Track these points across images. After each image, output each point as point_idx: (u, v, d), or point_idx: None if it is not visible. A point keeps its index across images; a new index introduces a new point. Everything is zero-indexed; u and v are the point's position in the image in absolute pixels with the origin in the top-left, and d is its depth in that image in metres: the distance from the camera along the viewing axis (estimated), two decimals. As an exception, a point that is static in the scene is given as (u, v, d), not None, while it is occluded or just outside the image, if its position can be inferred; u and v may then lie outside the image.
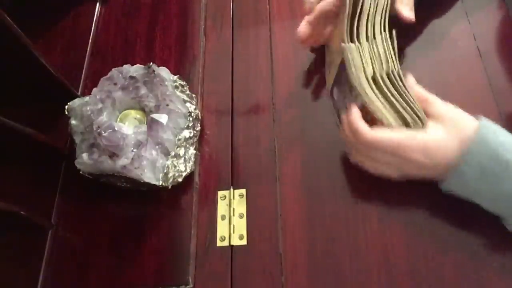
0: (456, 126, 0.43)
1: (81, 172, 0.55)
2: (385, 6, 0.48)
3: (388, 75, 0.46)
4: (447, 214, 0.48)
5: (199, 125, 0.58)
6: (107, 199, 0.57)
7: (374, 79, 0.46)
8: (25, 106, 0.61)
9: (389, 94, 0.46)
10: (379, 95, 0.46)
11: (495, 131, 0.43)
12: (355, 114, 0.46)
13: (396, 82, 0.46)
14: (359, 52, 0.47)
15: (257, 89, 0.61)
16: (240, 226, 0.52)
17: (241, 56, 0.64)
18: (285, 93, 0.60)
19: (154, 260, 0.52)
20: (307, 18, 0.55)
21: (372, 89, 0.46)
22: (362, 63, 0.46)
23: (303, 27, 0.55)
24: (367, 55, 0.46)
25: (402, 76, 0.46)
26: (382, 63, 0.46)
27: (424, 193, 0.49)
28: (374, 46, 0.47)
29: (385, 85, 0.46)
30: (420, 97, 0.46)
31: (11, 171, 0.60)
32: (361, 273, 0.47)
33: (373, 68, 0.46)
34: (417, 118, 0.45)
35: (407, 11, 0.52)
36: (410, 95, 0.46)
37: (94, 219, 0.56)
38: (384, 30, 0.48)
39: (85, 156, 0.54)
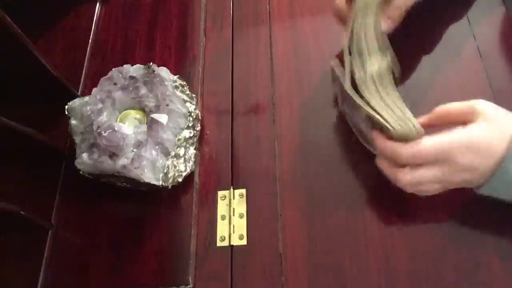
0: (497, 121, 0.42)
1: (81, 172, 0.55)
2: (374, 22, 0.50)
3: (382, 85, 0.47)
4: (447, 214, 0.48)
5: (199, 125, 0.58)
6: (107, 199, 0.57)
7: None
8: (25, 106, 0.61)
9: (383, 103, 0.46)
10: (376, 103, 0.46)
11: None
12: (381, 139, 0.45)
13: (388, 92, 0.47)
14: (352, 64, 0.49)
15: (257, 89, 0.61)
16: (240, 226, 0.52)
17: (241, 56, 0.64)
18: (285, 93, 0.60)
19: (154, 260, 0.52)
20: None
21: (367, 98, 0.47)
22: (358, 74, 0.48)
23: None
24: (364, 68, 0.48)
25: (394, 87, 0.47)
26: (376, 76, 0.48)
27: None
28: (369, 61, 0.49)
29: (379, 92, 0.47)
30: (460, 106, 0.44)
31: (11, 171, 0.60)
32: (361, 273, 0.47)
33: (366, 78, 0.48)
34: (413, 126, 0.44)
35: (385, 24, 0.51)
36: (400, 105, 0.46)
37: (94, 219, 0.56)
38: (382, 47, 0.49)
39: (85, 156, 0.54)
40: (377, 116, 0.45)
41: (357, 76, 0.48)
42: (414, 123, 0.44)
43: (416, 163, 0.44)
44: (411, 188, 0.45)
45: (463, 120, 0.43)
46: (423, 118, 0.46)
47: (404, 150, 0.43)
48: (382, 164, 0.47)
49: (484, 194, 0.44)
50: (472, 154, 0.41)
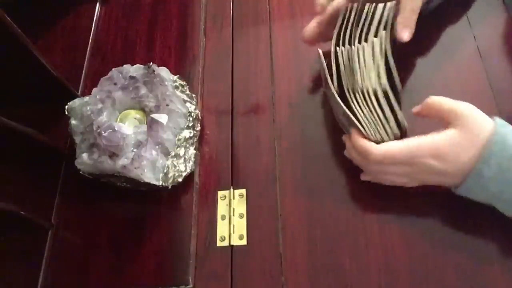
0: (471, 128, 0.42)
1: (81, 172, 0.55)
2: (383, 17, 0.50)
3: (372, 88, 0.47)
4: (447, 214, 0.48)
5: (199, 125, 0.58)
6: (107, 199, 0.57)
7: (353, 90, 0.48)
8: (25, 106, 0.61)
9: (367, 108, 0.47)
10: (358, 108, 0.47)
11: None
12: (357, 135, 0.47)
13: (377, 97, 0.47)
14: (339, 60, 0.49)
15: (257, 89, 0.61)
16: (240, 226, 0.52)
17: (241, 56, 0.64)
18: (285, 93, 0.60)
19: (154, 260, 0.52)
20: (317, 19, 0.54)
21: (351, 100, 0.47)
22: (344, 72, 0.48)
23: (312, 28, 0.54)
24: (355, 65, 0.48)
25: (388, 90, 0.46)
26: (366, 75, 0.47)
27: (424, 193, 0.49)
28: (361, 55, 0.48)
29: (365, 98, 0.47)
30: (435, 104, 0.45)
31: (11, 171, 0.60)
32: (361, 273, 0.47)
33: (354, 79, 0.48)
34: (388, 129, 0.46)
35: (402, 31, 0.49)
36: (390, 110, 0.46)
37: (94, 219, 0.56)
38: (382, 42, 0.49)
39: (85, 156, 0.54)
40: (352, 118, 0.46)
41: (341, 71, 0.49)
42: (391, 125, 0.45)
43: (385, 164, 0.45)
44: (383, 179, 0.48)
45: (445, 120, 0.44)
46: (417, 108, 0.47)
47: (375, 150, 0.45)
48: (351, 154, 0.49)
49: (461, 194, 0.45)
50: (439, 161, 0.43)
